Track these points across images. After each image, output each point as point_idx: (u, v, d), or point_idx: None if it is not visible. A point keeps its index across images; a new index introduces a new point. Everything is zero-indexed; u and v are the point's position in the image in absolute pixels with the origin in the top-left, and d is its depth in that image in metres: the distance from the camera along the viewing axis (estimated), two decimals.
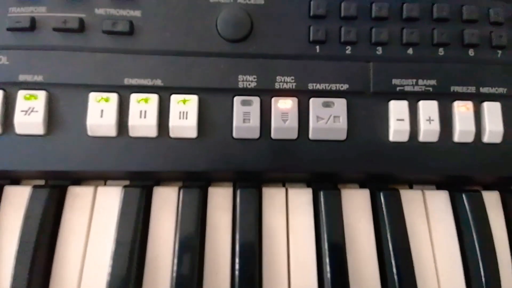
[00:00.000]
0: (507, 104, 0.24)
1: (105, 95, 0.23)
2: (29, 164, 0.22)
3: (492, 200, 0.26)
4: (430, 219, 0.26)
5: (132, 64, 0.23)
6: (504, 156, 0.24)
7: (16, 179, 0.25)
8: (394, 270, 0.22)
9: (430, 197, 0.26)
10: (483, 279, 0.23)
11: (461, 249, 0.24)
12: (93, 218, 0.24)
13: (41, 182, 0.25)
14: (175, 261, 0.22)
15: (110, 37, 0.23)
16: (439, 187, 0.27)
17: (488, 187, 0.27)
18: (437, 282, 0.24)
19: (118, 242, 0.22)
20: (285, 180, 0.27)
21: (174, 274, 0.22)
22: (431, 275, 0.24)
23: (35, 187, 0.23)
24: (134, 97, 0.22)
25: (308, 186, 0.26)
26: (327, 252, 0.23)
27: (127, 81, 0.23)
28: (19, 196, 0.24)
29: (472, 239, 0.24)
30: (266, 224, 0.25)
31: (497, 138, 0.24)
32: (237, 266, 0.22)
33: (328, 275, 0.22)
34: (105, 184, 0.26)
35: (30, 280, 0.21)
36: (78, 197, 0.24)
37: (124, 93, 0.23)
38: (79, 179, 0.25)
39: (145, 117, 0.22)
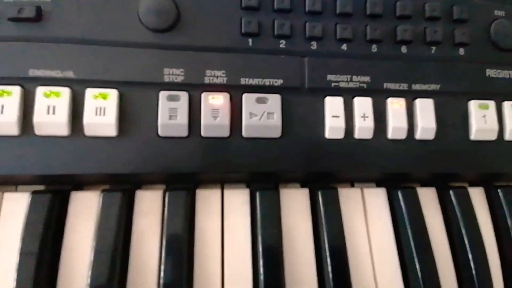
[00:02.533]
0: (440, 100, 0.25)
1: (7, 88, 0.20)
2: None
3: (429, 197, 0.27)
4: (368, 217, 0.25)
5: (38, 53, 0.20)
6: (437, 152, 0.24)
7: None
8: (329, 270, 0.22)
9: (368, 195, 0.26)
10: (420, 276, 0.23)
11: (398, 246, 0.24)
12: None
13: None
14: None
15: (15, 25, 0.20)
16: (380, 184, 0.27)
17: (428, 184, 0.27)
18: (374, 280, 0.23)
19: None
20: (223, 181, 0.25)
21: None
22: (369, 273, 0.23)
23: None
24: (40, 91, 0.20)
25: (248, 187, 0.25)
26: (261, 255, 0.21)
27: (32, 72, 0.20)
28: None
29: (407, 236, 0.24)
30: (199, 227, 0.23)
31: (430, 135, 0.24)
32: (162, 274, 0.20)
33: (262, 277, 0.21)
34: (16, 190, 0.23)
35: None
36: None
37: (29, 86, 0.20)
38: None
39: (53, 113, 0.20)
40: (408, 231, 0.24)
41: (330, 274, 0.21)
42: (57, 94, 0.20)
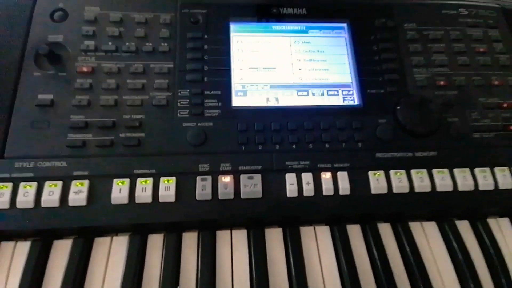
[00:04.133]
0: (351, 172, 0.43)
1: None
2: None
3: (356, 231, 0.43)
4: (319, 245, 0.42)
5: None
6: (352, 201, 0.42)
7: None
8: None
9: (319, 231, 0.43)
10: None
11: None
12: None
13: None
14: None
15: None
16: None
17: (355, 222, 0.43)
18: None
19: None
20: (232, 225, 0.42)
21: None
22: None
23: None
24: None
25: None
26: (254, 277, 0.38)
27: (136, 171, 0.40)
28: None
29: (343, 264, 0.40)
30: (219, 254, 0.40)
31: (347, 192, 0.42)
32: None
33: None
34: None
35: None
36: None
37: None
38: None
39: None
40: (342, 261, 0.40)
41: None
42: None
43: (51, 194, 0.38)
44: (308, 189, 0.41)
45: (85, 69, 0.44)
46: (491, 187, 0.43)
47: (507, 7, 0.55)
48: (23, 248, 0.38)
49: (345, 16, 0.50)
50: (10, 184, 0.38)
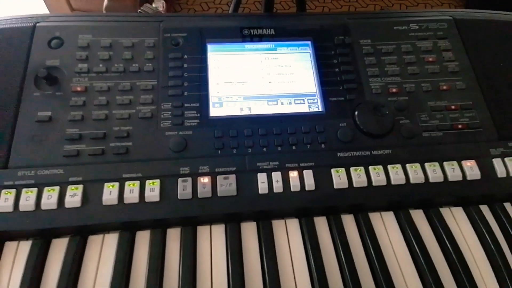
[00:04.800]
0: (316, 170, 0.49)
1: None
2: None
3: (322, 223, 0.48)
4: (289, 237, 0.47)
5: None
6: (317, 196, 0.47)
7: None
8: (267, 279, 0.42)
9: (289, 224, 0.48)
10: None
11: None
12: None
13: None
14: None
15: None
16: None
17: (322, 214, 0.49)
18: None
19: None
20: (211, 221, 0.47)
21: None
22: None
23: None
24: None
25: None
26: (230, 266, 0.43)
27: (125, 175, 0.45)
28: None
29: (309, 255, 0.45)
30: (200, 246, 0.45)
31: (312, 188, 0.47)
32: None
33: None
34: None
35: None
36: None
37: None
38: None
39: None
40: (309, 249, 0.44)
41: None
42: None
43: (50, 198, 0.43)
44: (278, 186, 0.47)
45: (79, 89, 0.50)
46: (441, 179, 0.49)
47: (458, 18, 0.62)
48: (25, 246, 0.43)
49: (309, 35, 0.57)
50: (13, 191, 0.44)
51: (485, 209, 0.51)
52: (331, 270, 0.44)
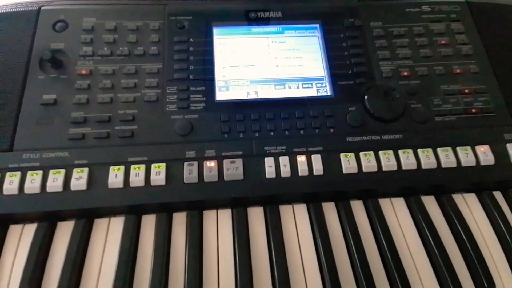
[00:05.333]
0: (324, 155, 0.47)
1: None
2: None
3: (330, 208, 0.47)
4: (297, 221, 0.46)
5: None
6: (325, 181, 0.46)
7: None
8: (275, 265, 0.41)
9: (296, 209, 0.47)
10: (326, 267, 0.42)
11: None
12: None
13: None
14: None
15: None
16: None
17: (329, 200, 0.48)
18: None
19: None
20: (217, 206, 0.46)
21: None
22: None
23: None
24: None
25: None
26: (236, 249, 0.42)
27: (130, 158, 0.44)
28: None
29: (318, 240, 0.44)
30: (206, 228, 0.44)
31: (320, 172, 0.46)
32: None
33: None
34: None
35: None
36: None
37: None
38: None
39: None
40: (318, 236, 0.44)
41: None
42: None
43: (55, 180, 0.43)
44: (285, 171, 0.46)
45: (83, 72, 0.49)
46: (454, 165, 0.48)
47: (471, 1, 0.60)
48: (30, 230, 0.43)
49: (317, 18, 0.56)
50: (18, 173, 0.43)
51: (498, 195, 0.49)
52: (340, 257, 0.43)
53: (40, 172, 0.43)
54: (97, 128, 0.46)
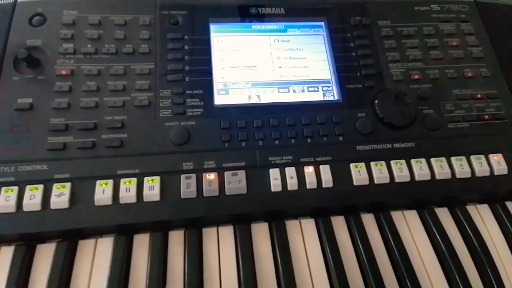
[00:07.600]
0: (333, 165, 0.44)
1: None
2: None
3: (340, 222, 0.43)
4: (304, 237, 0.42)
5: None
6: (335, 193, 0.42)
7: None
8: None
9: (304, 224, 0.43)
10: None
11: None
12: None
13: None
14: None
15: None
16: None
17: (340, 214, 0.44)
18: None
19: None
20: (218, 222, 0.42)
21: None
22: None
23: None
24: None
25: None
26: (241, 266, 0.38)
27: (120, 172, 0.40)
28: None
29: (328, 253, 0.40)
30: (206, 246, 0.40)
31: (329, 184, 0.42)
32: None
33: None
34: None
35: None
36: None
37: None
38: None
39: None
40: (328, 252, 0.40)
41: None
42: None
43: (33, 197, 0.38)
44: (292, 183, 0.42)
45: (64, 72, 0.44)
46: (468, 175, 0.45)
47: (480, 0, 0.57)
48: (7, 253, 0.38)
49: (323, 15, 0.52)
50: None
51: (510, 206, 0.47)
52: (353, 274, 0.40)
53: (15, 188, 0.38)
54: (81, 137, 0.41)
